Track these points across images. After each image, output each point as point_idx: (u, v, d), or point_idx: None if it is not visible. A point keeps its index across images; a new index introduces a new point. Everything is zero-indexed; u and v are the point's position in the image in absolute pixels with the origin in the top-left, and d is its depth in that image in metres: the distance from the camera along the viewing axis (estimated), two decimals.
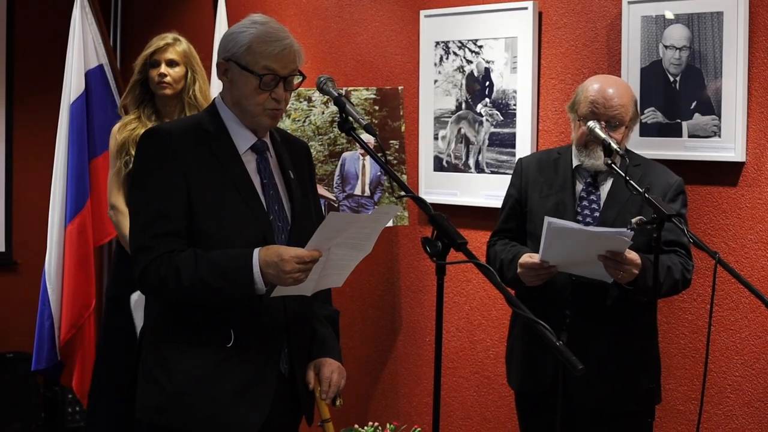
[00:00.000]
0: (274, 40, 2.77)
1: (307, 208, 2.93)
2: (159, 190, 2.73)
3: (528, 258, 3.37)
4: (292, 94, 2.96)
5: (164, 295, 2.76)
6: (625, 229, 3.19)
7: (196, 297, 2.70)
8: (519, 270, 3.39)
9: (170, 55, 4.33)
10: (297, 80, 2.83)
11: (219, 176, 2.77)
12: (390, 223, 4.62)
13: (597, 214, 3.45)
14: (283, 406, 2.86)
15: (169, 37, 4.39)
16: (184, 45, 4.40)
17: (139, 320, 4.12)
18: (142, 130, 4.23)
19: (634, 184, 3.22)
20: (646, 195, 3.15)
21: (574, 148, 3.51)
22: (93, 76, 5.21)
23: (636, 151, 3.63)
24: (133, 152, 4.24)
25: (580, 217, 3.46)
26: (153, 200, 2.74)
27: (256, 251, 2.66)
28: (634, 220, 3.16)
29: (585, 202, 3.48)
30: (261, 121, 2.81)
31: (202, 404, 2.73)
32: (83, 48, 5.19)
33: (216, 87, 4.99)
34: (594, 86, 3.45)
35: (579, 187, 3.51)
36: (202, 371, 2.74)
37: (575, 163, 3.51)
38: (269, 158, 2.89)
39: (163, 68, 4.31)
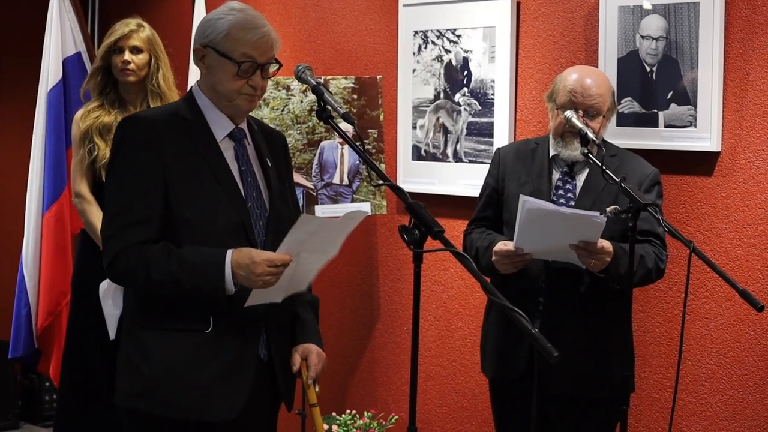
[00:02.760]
0: (252, 27, 2.77)
1: (284, 196, 2.93)
2: (134, 179, 2.74)
3: (502, 245, 3.38)
4: (270, 83, 2.96)
5: (132, 286, 2.80)
6: (597, 213, 3.21)
7: (164, 291, 2.72)
8: (493, 257, 3.40)
9: (134, 41, 4.26)
10: (273, 68, 2.84)
11: (197, 163, 2.77)
12: (368, 212, 4.63)
13: (572, 202, 3.47)
14: (263, 392, 2.86)
15: (132, 23, 4.32)
16: (147, 31, 4.32)
17: (107, 308, 4.09)
18: (106, 118, 4.24)
19: (610, 173, 3.24)
20: (623, 184, 3.17)
21: (551, 137, 3.53)
22: (71, 64, 5.17)
23: (613, 141, 3.65)
24: (96, 140, 4.22)
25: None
26: (127, 189, 2.75)
27: (229, 252, 2.68)
28: (608, 209, 3.18)
29: (561, 191, 3.50)
30: (237, 105, 2.81)
31: (182, 390, 2.74)
32: (61, 35, 5.15)
33: (195, 75, 4.98)
34: (572, 76, 3.47)
35: (555, 176, 3.53)
36: (181, 357, 2.74)
37: (552, 152, 3.53)
38: (247, 146, 2.89)
39: (127, 55, 4.24)
